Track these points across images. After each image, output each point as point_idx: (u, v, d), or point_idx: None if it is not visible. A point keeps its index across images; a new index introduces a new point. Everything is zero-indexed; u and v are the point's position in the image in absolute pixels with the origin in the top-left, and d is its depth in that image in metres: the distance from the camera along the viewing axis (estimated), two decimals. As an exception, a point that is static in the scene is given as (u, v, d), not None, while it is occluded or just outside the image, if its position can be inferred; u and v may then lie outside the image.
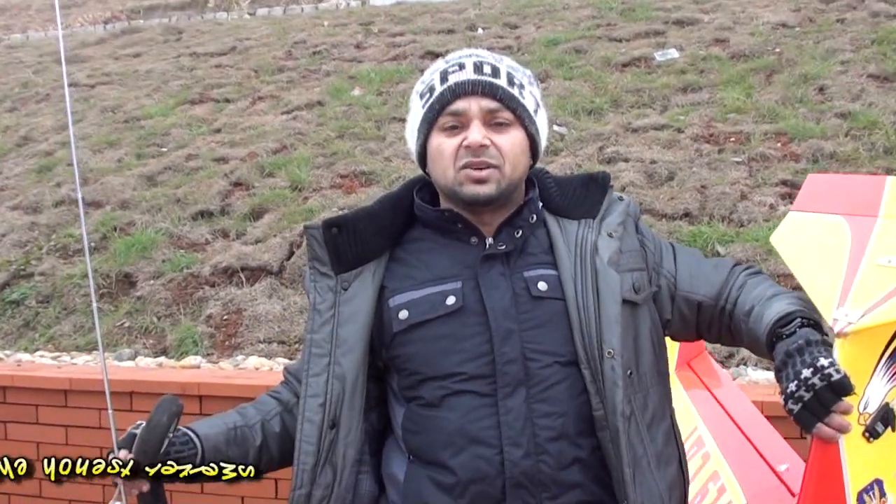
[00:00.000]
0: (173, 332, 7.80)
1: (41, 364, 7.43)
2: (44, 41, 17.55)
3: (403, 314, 2.71)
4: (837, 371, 2.26)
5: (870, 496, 2.41)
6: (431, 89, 2.74)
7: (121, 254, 8.77)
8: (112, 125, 12.08)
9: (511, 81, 2.72)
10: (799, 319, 2.47)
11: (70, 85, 14.05)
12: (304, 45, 13.94)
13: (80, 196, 3.24)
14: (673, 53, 11.02)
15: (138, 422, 2.72)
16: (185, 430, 2.74)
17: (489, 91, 2.68)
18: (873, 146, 8.23)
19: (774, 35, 10.99)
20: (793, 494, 3.48)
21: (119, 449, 2.67)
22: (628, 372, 2.62)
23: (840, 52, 10.15)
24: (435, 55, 12.10)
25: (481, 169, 2.65)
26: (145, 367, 7.15)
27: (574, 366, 2.61)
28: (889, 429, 2.45)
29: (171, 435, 2.66)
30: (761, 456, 3.64)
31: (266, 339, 7.48)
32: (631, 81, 10.54)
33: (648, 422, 2.67)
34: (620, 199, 2.89)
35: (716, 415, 3.57)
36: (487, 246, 2.72)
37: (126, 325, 8.04)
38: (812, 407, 2.29)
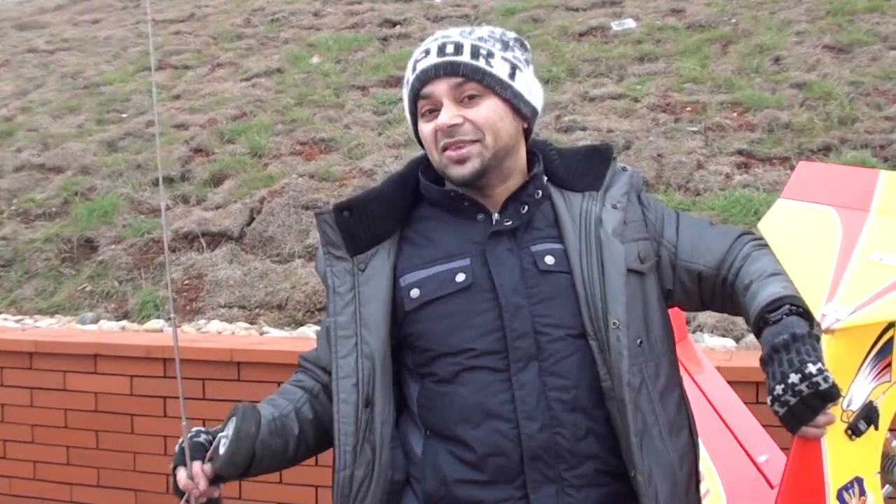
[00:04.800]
0: (135, 297, 7.83)
1: (5, 327, 7.47)
2: (2, 7, 17.44)
3: (415, 292, 2.74)
4: (825, 380, 2.25)
5: (849, 494, 2.42)
6: (408, 81, 2.78)
7: (82, 218, 8.80)
8: (72, 91, 12.07)
9: (475, 54, 2.71)
10: (787, 307, 2.46)
11: (29, 51, 14.06)
12: (263, 12, 13.91)
13: (163, 206, 3.27)
14: (630, 23, 11.07)
15: (195, 429, 2.72)
16: None
17: (451, 70, 2.68)
18: (828, 116, 8.31)
19: (730, 5, 11.05)
20: (771, 486, 3.48)
21: (192, 461, 2.65)
22: (638, 341, 2.66)
23: (795, 23, 10.23)
24: (393, 24, 12.17)
25: (460, 148, 2.67)
26: (109, 331, 7.19)
27: (583, 338, 2.64)
28: (871, 427, 2.46)
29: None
30: (741, 445, 3.63)
31: (227, 303, 7.51)
32: (588, 51, 10.57)
33: (661, 390, 2.71)
34: (624, 169, 2.91)
35: (696, 402, 3.46)
36: (494, 222, 2.74)
37: (88, 288, 8.07)
38: (797, 411, 2.31)
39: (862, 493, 2.45)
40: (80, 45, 13.95)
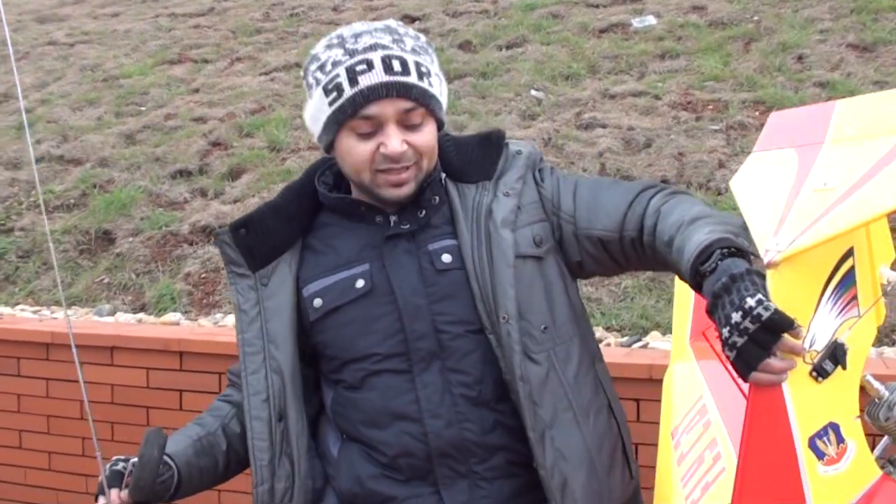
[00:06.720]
0: (152, 289, 7.82)
1: (23, 317, 7.46)
2: (23, 0, 17.45)
3: (317, 302, 2.78)
4: (767, 308, 2.04)
5: (824, 442, 2.22)
6: (339, 88, 2.63)
7: (100, 211, 8.79)
8: (91, 84, 12.05)
9: (420, 74, 2.66)
10: (718, 251, 2.27)
11: (49, 43, 14.06)
12: (282, 6, 13.89)
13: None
14: (650, 20, 11.02)
15: (115, 458, 2.81)
16: None
17: (403, 92, 2.62)
18: (851, 116, 8.24)
19: (752, 3, 10.97)
20: None
21: (109, 489, 2.73)
22: (542, 327, 2.68)
23: (819, 21, 10.15)
24: (412, 19, 12.12)
25: (399, 173, 2.66)
26: (125, 323, 7.19)
27: (483, 333, 2.67)
28: (839, 367, 2.24)
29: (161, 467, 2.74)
30: None
31: (244, 297, 7.48)
32: (608, 47, 10.52)
33: (574, 373, 2.72)
34: (519, 153, 2.88)
35: (724, 383, 3.36)
36: (392, 224, 2.76)
37: (105, 281, 8.06)
38: (745, 352, 2.10)
39: (840, 440, 2.25)
40: (100, 38, 13.96)
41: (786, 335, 2.09)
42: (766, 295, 2.09)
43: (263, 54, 12.12)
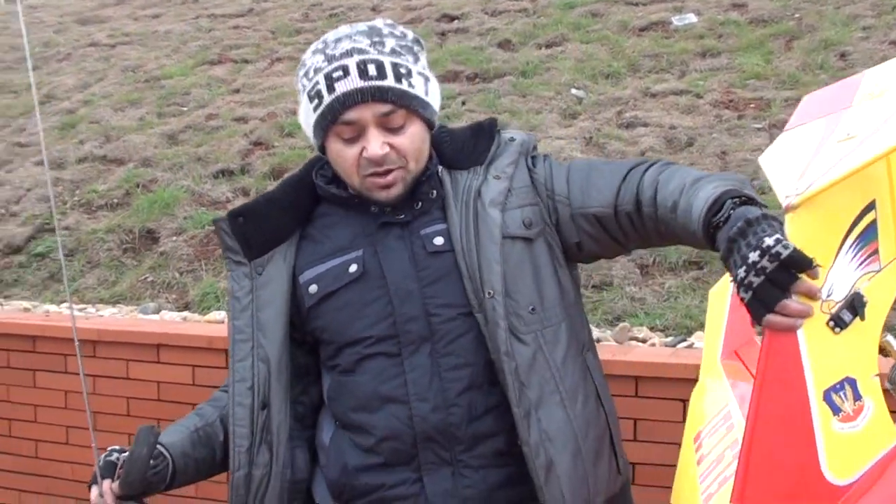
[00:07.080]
0: (195, 288, 7.85)
1: (68, 315, 7.46)
2: (64, 1, 17.56)
3: (313, 288, 2.82)
4: (786, 246, 2.01)
5: (840, 397, 2.14)
6: (319, 95, 2.72)
7: (144, 210, 8.84)
8: (133, 84, 12.12)
9: (398, 76, 2.70)
10: (729, 201, 2.27)
11: (91, 45, 14.15)
12: (321, 7, 13.91)
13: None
14: (691, 18, 11.00)
15: (110, 448, 2.90)
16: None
17: (379, 96, 2.67)
18: None
19: (793, 0, 10.96)
20: None
21: (102, 479, 2.82)
22: (530, 308, 2.71)
23: (861, 18, 10.09)
24: (451, 18, 12.12)
25: (386, 175, 2.70)
26: (171, 321, 7.21)
27: (473, 315, 2.70)
28: (857, 319, 2.17)
29: (151, 461, 2.81)
30: None
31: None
32: (649, 46, 10.49)
33: (562, 356, 2.75)
34: (512, 139, 2.92)
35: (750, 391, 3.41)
36: (386, 213, 2.79)
37: (149, 279, 8.10)
38: (764, 292, 2.05)
39: (857, 396, 2.17)
40: (141, 39, 14.03)
41: (803, 276, 2.05)
42: (784, 235, 2.06)
43: (303, 55, 12.12)
